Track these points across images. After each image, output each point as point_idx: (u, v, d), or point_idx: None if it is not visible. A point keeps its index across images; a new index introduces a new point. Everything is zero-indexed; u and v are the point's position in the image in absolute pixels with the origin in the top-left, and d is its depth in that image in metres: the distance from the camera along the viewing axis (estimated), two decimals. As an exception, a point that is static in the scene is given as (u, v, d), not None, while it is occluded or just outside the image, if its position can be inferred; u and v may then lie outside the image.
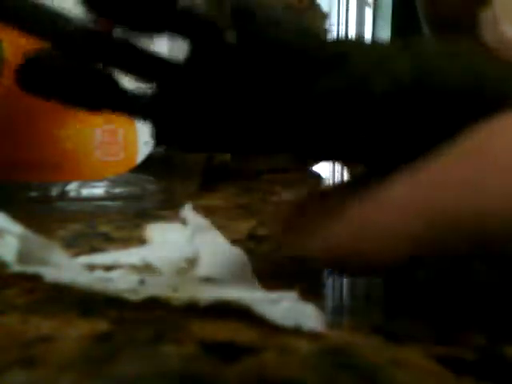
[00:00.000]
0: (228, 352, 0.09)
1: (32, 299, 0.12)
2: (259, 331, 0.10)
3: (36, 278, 0.12)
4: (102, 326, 0.10)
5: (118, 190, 0.27)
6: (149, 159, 0.27)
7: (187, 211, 0.15)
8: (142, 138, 0.26)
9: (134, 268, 0.13)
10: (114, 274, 0.13)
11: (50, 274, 0.12)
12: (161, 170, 0.28)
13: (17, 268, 0.12)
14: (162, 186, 0.28)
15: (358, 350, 0.09)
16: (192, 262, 0.13)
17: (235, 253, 0.14)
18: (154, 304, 0.11)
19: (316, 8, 0.47)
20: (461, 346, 0.09)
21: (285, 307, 0.10)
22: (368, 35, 1.00)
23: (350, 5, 1.08)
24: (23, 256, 0.12)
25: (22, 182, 0.25)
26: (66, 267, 0.12)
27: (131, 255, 0.14)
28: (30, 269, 0.12)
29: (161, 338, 0.10)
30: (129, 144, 0.26)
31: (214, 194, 0.32)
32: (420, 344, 0.10)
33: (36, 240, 0.12)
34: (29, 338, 0.09)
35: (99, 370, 0.08)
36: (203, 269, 0.13)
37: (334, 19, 1.02)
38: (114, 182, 0.27)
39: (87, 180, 0.26)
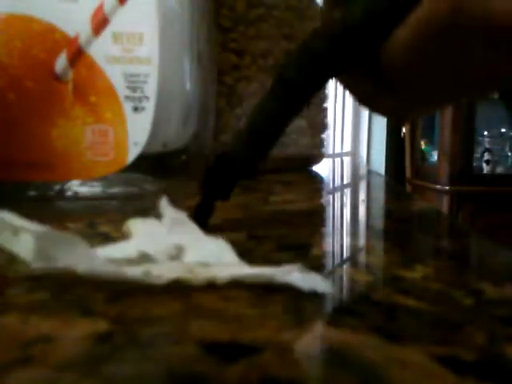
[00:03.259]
0: (228, 352, 0.09)
1: (32, 299, 0.12)
2: (259, 331, 0.10)
3: (36, 278, 0.12)
4: (102, 325, 0.10)
5: (116, 190, 0.27)
6: (148, 159, 0.27)
7: (163, 205, 0.15)
8: (132, 138, 0.26)
9: (131, 259, 0.13)
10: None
11: (77, 266, 0.12)
12: (160, 170, 0.28)
13: (36, 265, 0.12)
14: (161, 186, 0.28)
15: (358, 350, 0.09)
16: (181, 248, 0.14)
17: (218, 241, 0.14)
18: (174, 287, 0.11)
19: (316, 8, 0.47)
20: (461, 346, 0.09)
21: (298, 276, 0.12)
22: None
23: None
24: (41, 252, 0.12)
25: (20, 181, 0.25)
26: (88, 260, 0.12)
27: (124, 248, 0.14)
28: (51, 265, 0.12)
29: (161, 338, 0.10)
30: (119, 144, 0.26)
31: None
32: (420, 344, 0.10)
33: (52, 235, 0.12)
34: (29, 338, 0.09)
35: (99, 369, 0.08)
36: (192, 255, 0.13)
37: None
38: (113, 182, 0.27)
39: (85, 179, 0.26)
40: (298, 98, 0.18)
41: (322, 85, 0.18)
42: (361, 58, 0.17)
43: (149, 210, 0.18)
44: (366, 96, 0.19)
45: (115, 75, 0.25)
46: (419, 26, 0.14)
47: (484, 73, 0.14)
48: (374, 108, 0.20)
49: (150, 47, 0.26)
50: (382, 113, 0.20)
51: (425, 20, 0.14)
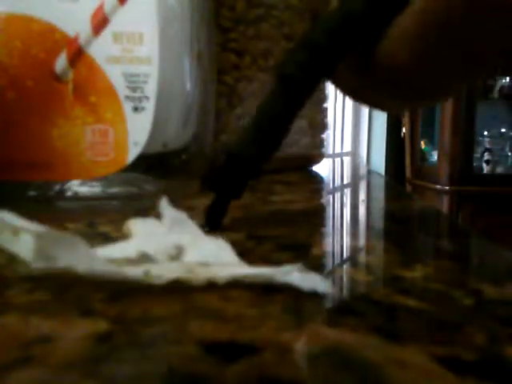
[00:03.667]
0: (228, 352, 0.09)
1: (32, 299, 0.12)
2: (259, 331, 0.10)
3: (36, 278, 0.12)
4: (102, 325, 0.10)
5: (116, 190, 0.27)
6: (148, 159, 0.27)
7: (163, 205, 0.15)
8: (132, 138, 0.26)
9: (130, 259, 0.13)
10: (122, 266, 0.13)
11: (77, 266, 0.12)
12: (160, 170, 0.28)
13: (36, 265, 0.12)
14: (161, 186, 0.28)
15: (358, 350, 0.09)
16: (180, 248, 0.14)
17: (218, 241, 0.14)
18: (174, 287, 0.11)
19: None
20: (461, 346, 0.09)
21: (298, 276, 0.12)
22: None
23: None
24: (41, 252, 0.12)
25: (20, 181, 0.25)
26: (88, 260, 0.12)
27: (124, 248, 0.14)
28: (51, 265, 0.12)
29: (161, 338, 0.10)
30: (119, 144, 0.26)
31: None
32: (420, 344, 0.10)
33: (52, 235, 0.12)
34: (29, 338, 0.09)
35: (99, 369, 0.08)
36: (192, 255, 0.13)
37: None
38: (113, 182, 0.27)
39: (85, 179, 0.26)
40: (300, 94, 0.18)
41: (322, 77, 0.18)
42: (358, 48, 0.17)
43: (149, 210, 0.18)
44: (354, 89, 0.19)
45: (115, 75, 0.25)
46: (420, 14, 0.14)
47: (487, 46, 0.14)
48: (365, 101, 0.20)
49: (150, 47, 0.26)
50: (373, 106, 0.20)
51: (425, 9, 0.14)
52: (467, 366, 0.09)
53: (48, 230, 0.13)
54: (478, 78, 0.18)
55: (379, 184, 0.48)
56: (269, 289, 0.12)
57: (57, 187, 0.26)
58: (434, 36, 0.14)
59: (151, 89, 0.26)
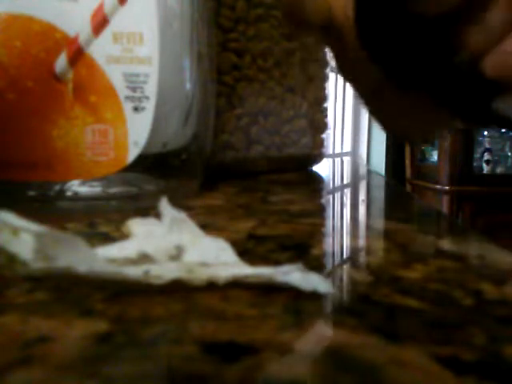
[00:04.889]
0: (228, 352, 0.09)
1: (32, 299, 0.12)
2: (259, 331, 0.10)
3: (36, 278, 0.12)
4: (102, 325, 0.10)
5: (116, 190, 0.27)
6: (148, 159, 0.27)
7: (163, 205, 0.15)
8: (132, 138, 0.26)
9: (130, 259, 0.13)
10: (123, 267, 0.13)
11: (77, 266, 0.12)
12: (160, 170, 0.28)
13: (36, 265, 0.12)
14: (161, 186, 0.28)
15: (358, 350, 0.09)
16: (181, 248, 0.14)
17: (218, 241, 0.14)
18: (174, 287, 0.11)
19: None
20: (461, 346, 0.09)
21: (298, 276, 0.12)
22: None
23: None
24: (41, 252, 0.12)
25: (20, 181, 0.25)
26: (88, 260, 0.12)
27: (124, 248, 0.14)
28: (51, 265, 0.12)
29: (161, 338, 0.10)
30: (119, 144, 0.26)
31: (214, 193, 0.32)
32: (420, 344, 0.10)
33: (52, 235, 0.12)
34: (29, 338, 0.09)
35: (99, 369, 0.08)
36: (192, 255, 0.14)
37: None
38: (113, 182, 0.27)
39: (85, 179, 0.26)
40: None
41: None
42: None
43: (149, 210, 0.18)
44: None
45: (115, 75, 0.25)
46: None
47: None
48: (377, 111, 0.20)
49: (150, 47, 0.26)
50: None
51: None
52: (467, 366, 0.09)
53: (48, 230, 0.13)
54: None
55: (379, 184, 0.48)
56: (269, 289, 0.12)
57: (57, 187, 0.26)
58: None
59: (151, 89, 0.26)
